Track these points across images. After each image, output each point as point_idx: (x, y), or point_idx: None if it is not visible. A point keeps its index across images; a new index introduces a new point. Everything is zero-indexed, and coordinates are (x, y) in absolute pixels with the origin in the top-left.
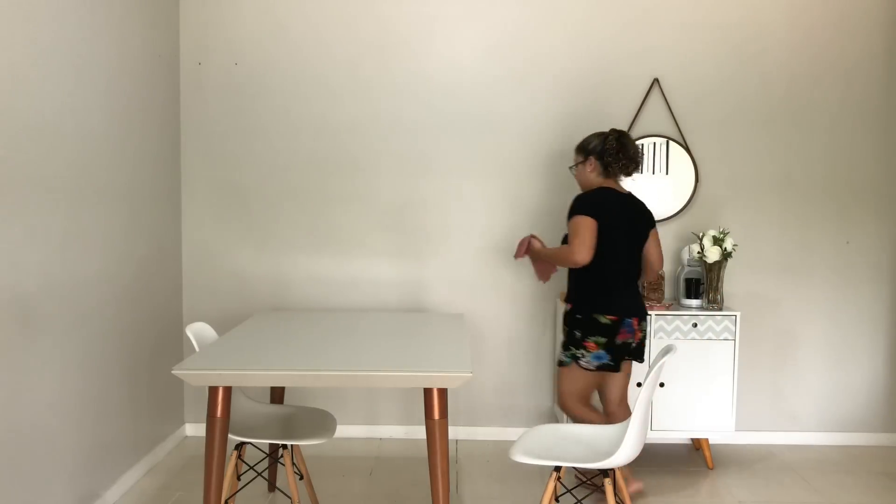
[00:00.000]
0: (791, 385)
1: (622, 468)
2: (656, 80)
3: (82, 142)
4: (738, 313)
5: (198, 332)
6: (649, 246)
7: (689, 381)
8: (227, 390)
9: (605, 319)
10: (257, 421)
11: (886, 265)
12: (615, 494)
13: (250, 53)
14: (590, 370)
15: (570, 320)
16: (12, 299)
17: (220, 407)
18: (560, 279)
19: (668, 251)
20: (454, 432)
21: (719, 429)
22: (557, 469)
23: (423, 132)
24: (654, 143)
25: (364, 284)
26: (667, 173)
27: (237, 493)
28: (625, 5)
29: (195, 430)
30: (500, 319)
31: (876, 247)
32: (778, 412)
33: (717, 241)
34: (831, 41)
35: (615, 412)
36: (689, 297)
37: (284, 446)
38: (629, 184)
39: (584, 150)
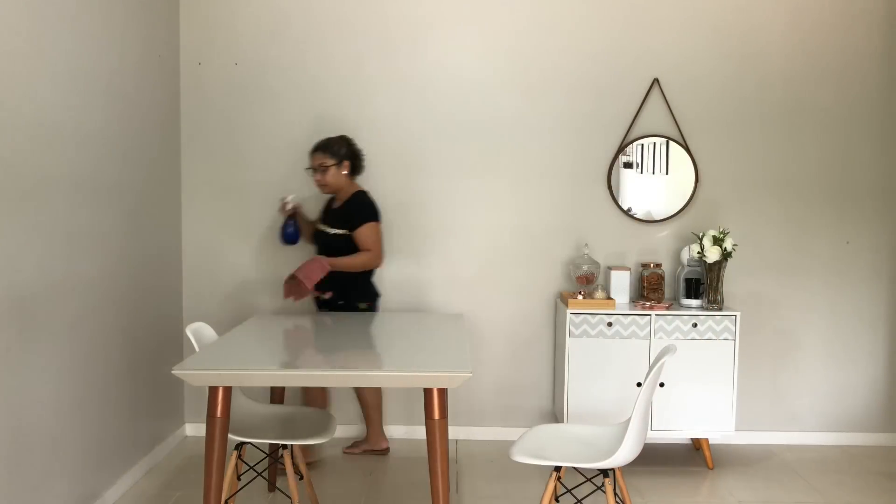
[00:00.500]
0: (791, 385)
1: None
2: (656, 80)
3: (82, 142)
4: (738, 313)
5: (197, 331)
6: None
7: (689, 381)
8: (227, 390)
9: (363, 305)
10: (257, 421)
11: (886, 265)
12: (615, 494)
13: (250, 53)
14: None
15: (330, 307)
16: (12, 299)
17: (220, 407)
18: (559, 279)
19: (669, 251)
20: (454, 432)
21: (719, 429)
22: (557, 469)
23: (423, 132)
24: (654, 143)
25: None
26: (667, 173)
27: (237, 493)
28: (625, 5)
29: (195, 430)
30: (500, 319)
31: (876, 247)
32: (778, 412)
33: (717, 241)
34: (831, 41)
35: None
36: (689, 297)
37: (284, 446)
38: (634, 182)
39: (338, 153)
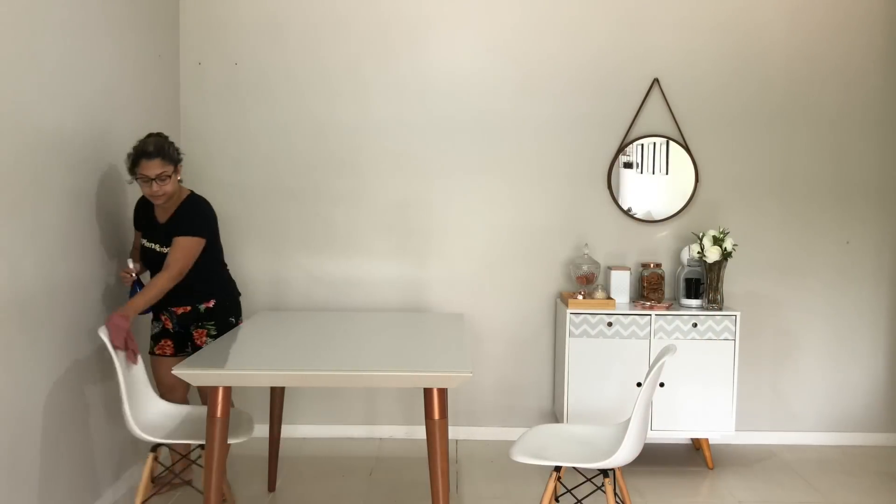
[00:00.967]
0: (791, 385)
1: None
2: (656, 80)
3: (82, 142)
4: (738, 313)
5: None
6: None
7: (689, 381)
8: (227, 390)
9: (232, 320)
10: (174, 422)
11: (886, 265)
12: (615, 494)
13: (250, 53)
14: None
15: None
16: (12, 299)
17: (220, 407)
18: (559, 279)
19: (669, 251)
20: (454, 432)
21: (719, 429)
22: (557, 469)
23: (423, 132)
24: (654, 143)
25: (364, 284)
26: (667, 173)
27: (152, 497)
28: (625, 5)
29: None
30: (500, 319)
31: (876, 247)
32: (778, 412)
33: (717, 241)
34: (831, 41)
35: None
36: (689, 297)
37: (202, 446)
38: (634, 182)
39: (174, 157)
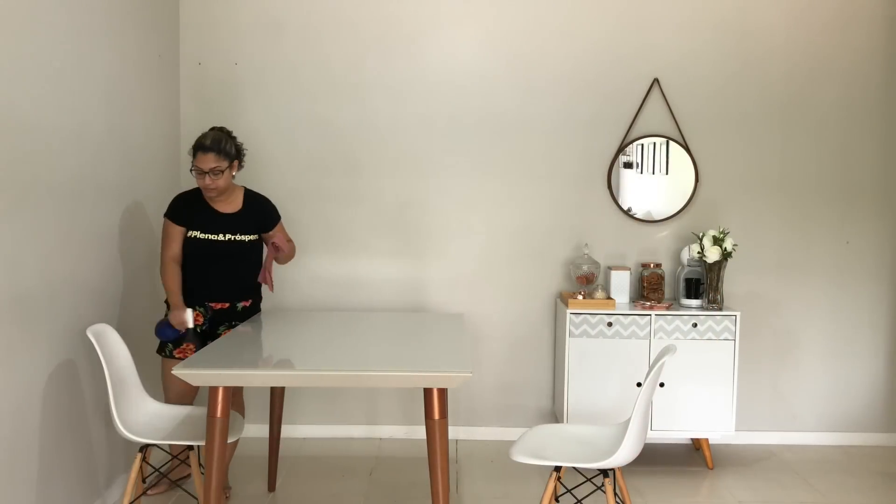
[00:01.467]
0: (791, 385)
1: None
2: (656, 80)
3: (82, 142)
4: (738, 313)
5: (99, 333)
6: None
7: (689, 381)
8: (227, 390)
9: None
10: (163, 422)
11: (886, 265)
12: (615, 494)
13: (250, 53)
14: None
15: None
16: (12, 299)
17: (220, 407)
18: (559, 279)
19: (669, 251)
20: (454, 432)
21: (719, 429)
22: (557, 469)
23: (423, 132)
24: (654, 143)
25: (364, 284)
26: (667, 173)
27: (141, 497)
28: (625, 5)
29: None
30: (500, 319)
31: (876, 247)
32: (778, 412)
33: (717, 241)
34: (831, 41)
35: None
36: (689, 297)
37: (191, 447)
38: (634, 182)
39: (230, 154)
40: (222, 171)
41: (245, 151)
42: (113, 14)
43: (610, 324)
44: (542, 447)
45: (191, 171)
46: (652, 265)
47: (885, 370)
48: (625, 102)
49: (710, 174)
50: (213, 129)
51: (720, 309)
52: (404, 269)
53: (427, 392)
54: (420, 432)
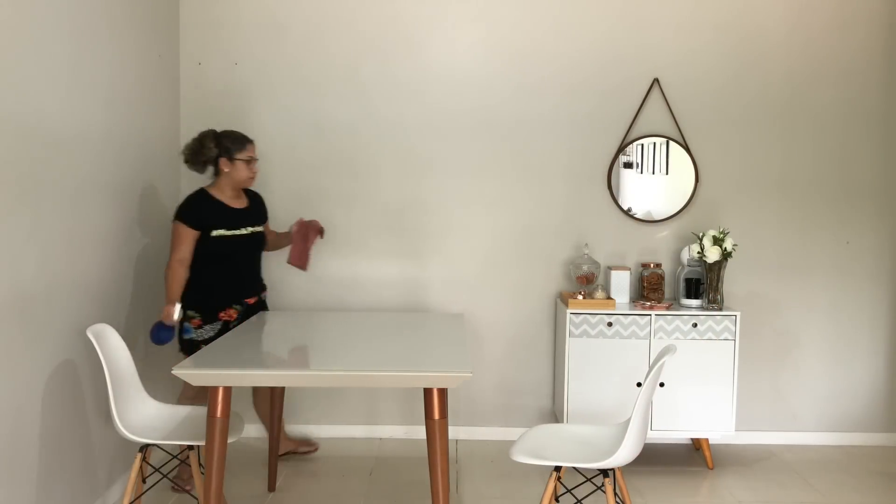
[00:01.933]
0: (791, 385)
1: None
2: (656, 80)
3: (82, 142)
4: (738, 313)
5: (99, 333)
6: None
7: (689, 381)
8: (227, 390)
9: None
10: (163, 422)
11: (886, 265)
12: (615, 494)
13: (250, 53)
14: None
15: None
16: (12, 299)
17: (220, 407)
18: (559, 279)
19: (669, 251)
20: (454, 432)
21: (719, 429)
22: (557, 469)
23: (423, 132)
24: (654, 143)
25: (364, 284)
26: (667, 173)
27: (142, 496)
28: (625, 5)
29: None
30: (500, 319)
31: (876, 247)
32: (778, 412)
33: (717, 241)
34: (831, 41)
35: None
36: (689, 297)
37: (191, 447)
38: (634, 182)
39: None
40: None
41: None
42: (113, 14)
43: (610, 324)
44: (542, 447)
45: (232, 161)
46: (652, 265)
47: (885, 370)
48: (625, 102)
49: (710, 174)
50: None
51: (720, 309)
52: (404, 270)
53: (427, 392)
54: (420, 432)
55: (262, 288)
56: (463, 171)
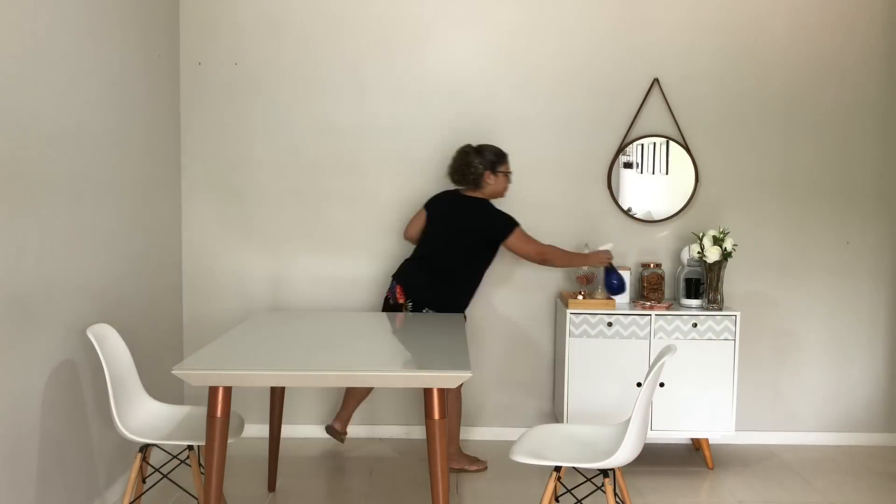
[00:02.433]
0: (791, 385)
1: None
2: (656, 80)
3: (82, 142)
4: (738, 313)
5: (100, 334)
6: None
7: (689, 381)
8: (227, 390)
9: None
10: (163, 422)
11: (886, 265)
12: (615, 494)
13: (250, 53)
14: None
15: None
16: (12, 299)
17: (220, 407)
18: (559, 279)
19: (668, 251)
20: None
21: (719, 429)
22: (557, 469)
23: (423, 132)
24: (654, 143)
25: (364, 284)
26: (667, 173)
27: (142, 496)
28: (625, 5)
29: None
30: (500, 319)
31: (876, 247)
32: (778, 412)
33: (717, 241)
34: (831, 41)
35: None
36: (689, 297)
37: (191, 447)
38: (634, 182)
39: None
40: (503, 174)
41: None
42: (113, 14)
43: (610, 324)
44: (542, 447)
45: (498, 174)
46: (652, 265)
47: (885, 370)
48: (625, 102)
49: (710, 174)
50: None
51: (720, 309)
52: None
53: (427, 392)
54: (420, 432)
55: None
56: None
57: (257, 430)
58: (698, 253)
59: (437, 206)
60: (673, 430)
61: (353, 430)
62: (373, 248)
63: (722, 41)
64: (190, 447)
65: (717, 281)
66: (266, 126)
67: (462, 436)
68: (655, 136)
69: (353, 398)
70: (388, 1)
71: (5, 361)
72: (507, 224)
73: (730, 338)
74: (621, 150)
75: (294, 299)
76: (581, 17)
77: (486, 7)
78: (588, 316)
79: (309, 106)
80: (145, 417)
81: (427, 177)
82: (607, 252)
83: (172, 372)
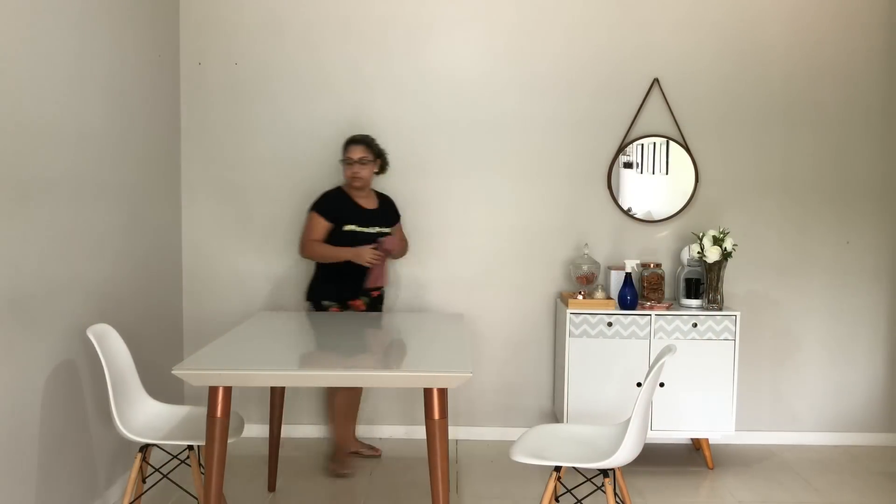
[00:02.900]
0: (791, 385)
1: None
2: (656, 80)
3: (82, 142)
4: (738, 313)
5: (100, 334)
6: None
7: (689, 381)
8: (228, 390)
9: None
10: (163, 422)
11: (886, 266)
12: (615, 494)
13: (250, 53)
14: None
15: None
16: (12, 299)
17: (220, 407)
18: (559, 279)
19: (669, 251)
20: (454, 432)
21: (719, 429)
22: (557, 469)
23: (423, 132)
24: (654, 143)
25: None
26: (667, 173)
27: (142, 496)
28: (625, 5)
29: None
30: (500, 319)
31: (876, 247)
32: (778, 412)
33: (717, 241)
34: (831, 41)
35: None
36: (689, 297)
37: (191, 447)
38: (634, 182)
39: (376, 150)
40: (366, 163)
41: (388, 161)
42: (113, 14)
43: (610, 324)
44: (542, 447)
45: (341, 161)
46: (652, 265)
47: (885, 370)
48: (625, 102)
49: (710, 174)
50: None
51: (720, 309)
52: (404, 269)
53: (427, 392)
54: (420, 432)
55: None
56: (463, 170)
57: (257, 430)
58: (698, 253)
59: None
60: (673, 430)
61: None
62: None
63: (722, 41)
64: (190, 447)
65: (717, 281)
66: (266, 126)
67: (462, 436)
68: (655, 136)
69: (346, 418)
70: (388, 1)
71: (5, 361)
72: (310, 206)
73: (730, 338)
74: (621, 150)
75: (294, 299)
76: (581, 17)
77: (486, 8)
78: (588, 316)
79: (309, 106)
80: (145, 417)
81: (427, 177)
82: (372, 250)
83: (172, 372)
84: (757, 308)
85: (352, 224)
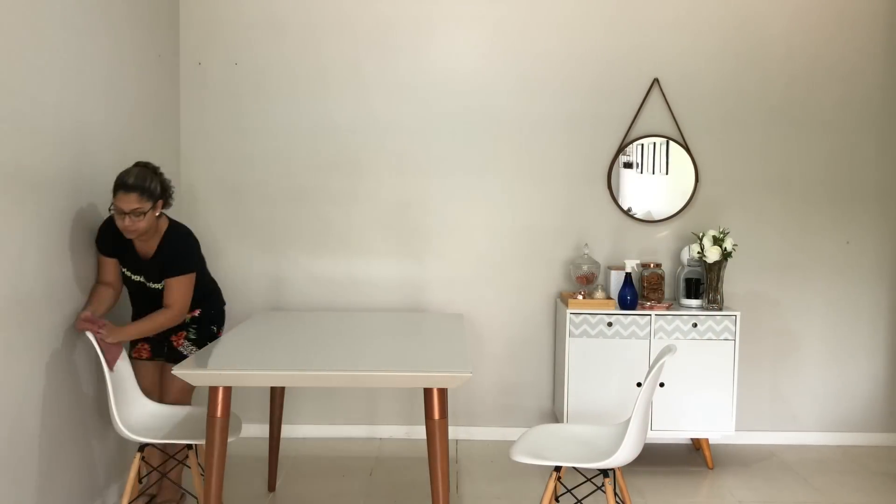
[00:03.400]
0: (791, 385)
1: None
2: (656, 80)
3: (82, 142)
4: (738, 313)
5: None
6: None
7: (689, 381)
8: (227, 390)
9: (214, 329)
10: (162, 422)
11: (886, 265)
12: (615, 494)
13: (250, 53)
14: None
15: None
16: (13, 299)
17: (220, 407)
18: (559, 279)
19: (669, 251)
20: (454, 432)
21: (719, 429)
22: (557, 469)
23: (423, 132)
24: (654, 143)
25: (364, 284)
26: (667, 173)
27: (140, 497)
28: (624, 5)
29: None
30: (500, 319)
31: (876, 247)
32: (778, 412)
33: (717, 241)
34: (831, 41)
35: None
36: (689, 297)
37: (190, 446)
38: (634, 182)
39: (154, 193)
40: (144, 213)
41: (173, 189)
42: (113, 14)
43: (610, 324)
44: (542, 447)
45: (109, 209)
46: (652, 265)
47: (885, 370)
48: (625, 102)
49: (710, 174)
50: (136, 164)
51: (720, 309)
52: (404, 269)
53: (427, 392)
54: (420, 432)
55: (175, 329)
56: (463, 170)
57: (257, 430)
58: (698, 253)
59: None
60: (673, 430)
61: (354, 430)
62: (372, 248)
63: (722, 41)
64: (189, 447)
65: (717, 281)
66: (266, 126)
67: (462, 436)
68: (655, 135)
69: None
70: (388, 1)
71: (5, 361)
72: None
73: (730, 338)
74: (621, 149)
75: (294, 299)
76: (581, 17)
77: (486, 7)
78: (588, 316)
79: (309, 106)
80: (145, 417)
81: (427, 177)
82: (85, 320)
83: (172, 372)
84: (757, 308)
85: (125, 265)
